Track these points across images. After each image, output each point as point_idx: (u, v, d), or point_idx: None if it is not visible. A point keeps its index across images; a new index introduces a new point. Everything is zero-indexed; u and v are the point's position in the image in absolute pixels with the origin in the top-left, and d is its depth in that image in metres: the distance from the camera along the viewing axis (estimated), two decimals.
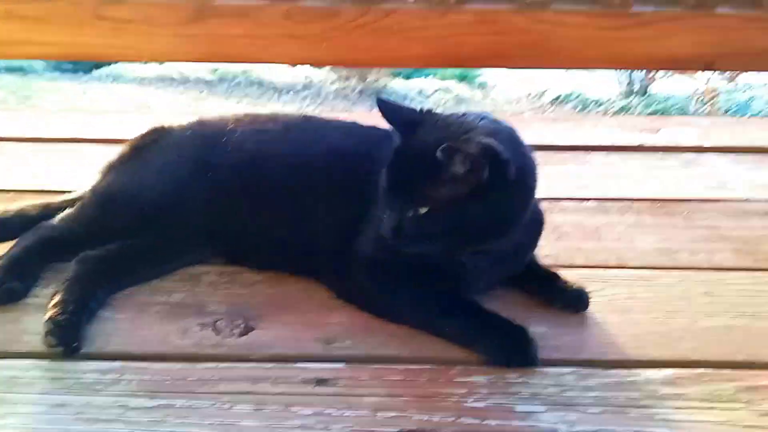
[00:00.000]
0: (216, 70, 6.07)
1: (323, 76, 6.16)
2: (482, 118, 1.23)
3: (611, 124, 2.11)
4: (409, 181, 1.20)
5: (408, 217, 1.20)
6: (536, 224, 1.35)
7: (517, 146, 1.23)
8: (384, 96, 1.36)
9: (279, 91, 5.94)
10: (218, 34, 1.82)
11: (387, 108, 1.27)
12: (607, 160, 1.92)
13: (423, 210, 1.19)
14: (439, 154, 1.13)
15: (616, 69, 4.97)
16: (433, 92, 6.11)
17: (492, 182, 1.16)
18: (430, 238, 1.20)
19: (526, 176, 1.23)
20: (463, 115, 1.24)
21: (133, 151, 1.50)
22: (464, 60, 1.81)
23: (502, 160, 1.16)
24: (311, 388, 1.17)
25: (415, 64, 2.05)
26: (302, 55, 1.80)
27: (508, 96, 6.05)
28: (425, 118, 1.26)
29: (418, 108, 1.29)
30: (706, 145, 1.99)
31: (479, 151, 1.14)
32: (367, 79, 5.97)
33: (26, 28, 1.83)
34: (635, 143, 2.00)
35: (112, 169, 1.50)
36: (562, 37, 1.83)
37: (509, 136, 1.23)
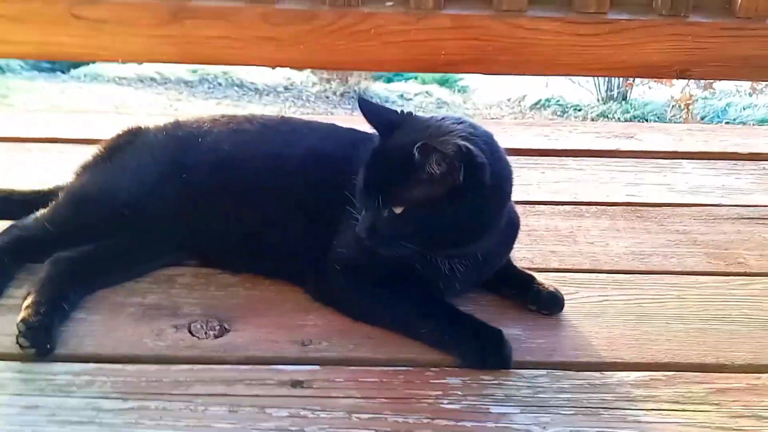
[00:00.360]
0: (196, 70, 6.05)
1: (304, 78, 6.15)
2: (460, 122, 1.24)
3: (587, 129, 2.13)
4: (384, 181, 1.21)
5: (383, 217, 1.21)
6: (512, 228, 1.36)
7: (493, 151, 1.24)
8: (365, 97, 1.37)
9: (260, 92, 5.93)
10: (195, 35, 1.81)
11: (368, 109, 1.28)
12: (583, 164, 1.94)
13: (398, 210, 1.20)
14: (415, 152, 1.14)
15: (590, 76, 5.02)
16: (414, 95, 6.14)
17: (467, 185, 1.17)
18: (405, 239, 1.21)
19: (502, 181, 1.24)
20: (442, 118, 1.25)
21: (108, 152, 1.49)
22: (441, 65, 1.82)
23: (478, 163, 1.17)
24: (286, 390, 1.17)
25: (392, 68, 2.07)
26: (279, 57, 1.80)
27: (488, 100, 6.10)
28: (405, 120, 1.27)
29: (398, 110, 1.30)
30: (681, 150, 2.02)
31: (455, 153, 1.15)
32: (348, 82, 5.97)
33: (1, 27, 1.81)
34: (611, 148, 2.02)
35: (87, 169, 1.49)
36: (538, 43, 1.85)
37: (486, 141, 1.24)
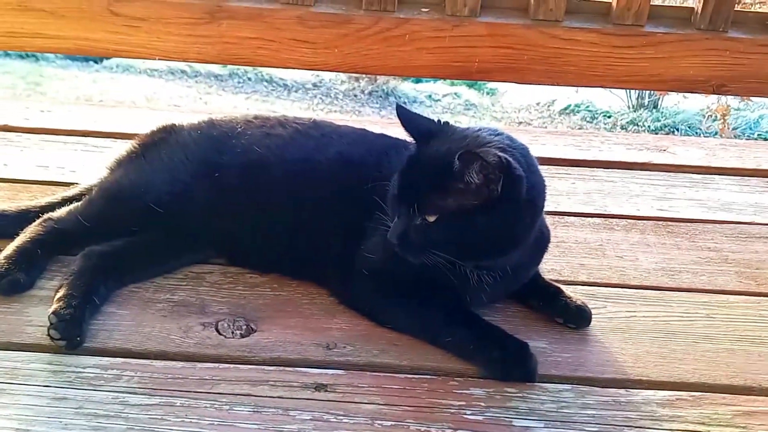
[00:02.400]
0: (226, 65, 6.07)
1: (333, 76, 6.16)
2: (497, 134, 1.25)
3: (619, 140, 2.11)
4: (419, 189, 1.21)
5: (415, 225, 1.22)
6: (542, 241, 1.36)
7: (530, 164, 1.24)
8: (401, 103, 1.38)
9: (288, 89, 5.95)
10: (231, 35, 1.82)
11: (406, 117, 1.29)
12: (614, 176, 1.93)
13: (431, 218, 1.20)
14: (456, 160, 1.15)
15: (625, 89, 4.98)
16: (443, 96, 6.12)
17: (503, 197, 1.17)
18: (436, 248, 1.21)
19: (536, 195, 1.24)
20: (479, 129, 1.26)
21: (142, 148, 1.51)
22: (474, 73, 1.81)
23: (516, 176, 1.17)
24: (310, 393, 1.18)
25: (425, 74, 2.05)
26: (314, 60, 1.81)
27: (517, 104, 6.06)
28: (442, 129, 1.28)
29: (436, 120, 1.30)
30: (714, 166, 2.00)
31: (496, 163, 1.15)
32: (377, 81, 5.98)
33: (39, 21, 1.84)
34: (642, 161, 2.00)
35: (120, 165, 1.51)
36: (574, 54, 1.84)
37: (523, 154, 1.24)
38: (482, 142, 1.21)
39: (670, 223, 1.73)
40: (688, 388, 1.24)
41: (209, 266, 1.46)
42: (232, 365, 1.23)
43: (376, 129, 1.57)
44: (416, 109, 5.68)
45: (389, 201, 1.27)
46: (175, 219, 1.42)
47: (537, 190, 1.24)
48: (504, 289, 1.35)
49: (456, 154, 1.15)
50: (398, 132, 1.51)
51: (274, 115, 1.58)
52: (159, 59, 1.79)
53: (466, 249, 1.21)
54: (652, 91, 5.52)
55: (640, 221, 1.73)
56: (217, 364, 1.23)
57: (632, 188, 1.88)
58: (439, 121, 1.30)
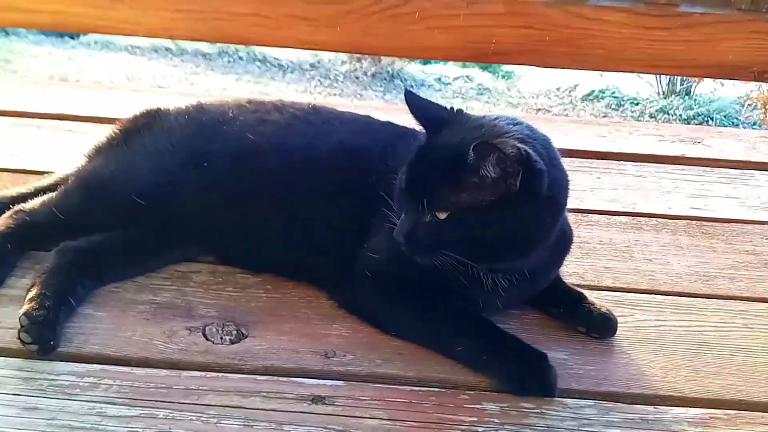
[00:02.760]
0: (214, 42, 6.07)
1: (333, 56, 6.15)
2: (516, 123, 1.24)
3: (650, 131, 2.10)
4: (430, 183, 1.21)
5: (424, 223, 1.21)
6: (564, 241, 1.36)
7: (552, 157, 1.24)
8: (410, 88, 1.37)
9: (284, 69, 5.94)
10: (223, 11, 1.82)
11: (415, 103, 1.28)
12: (643, 171, 1.93)
13: (442, 216, 1.20)
14: (471, 152, 1.14)
15: (657, 74, 4.96)
16: (453, 80, 6.11)
17: (522, 193, 1.17)
18: (447, 248, 1.21)
19: (559, 191, 1.24)
20: (496, 118, 1.25)
21: (124, 135, 1.51)
22: (491, 55, 1.81)
23: (536, 170, 1.17)
24: (306, 405, 1.18)
25: (436, 56, 2.05)
26: (314, 39, 1.80)
27: (535, 88, 6.05)
28: (455, 117, 1.28)
29: (448, 106, 1.30)
30: (754, 160, 2.00)
31: (515, 155, 1.15)
32: (381, 62, 5.96)
33: None
34: (675, 154, 2.00)
35: (100, 152, 1.51)
36: (601, 35, 1.84)
37: (544, 146, 1.24)
38: (499, 132, 1.21)
39: (704, 223, 1.73)
40: (723, 406, 1.24)
41: (196, 265, 1.46)
42: (220, 374, 1.23)
43: (381, 116, 1.57)
44: (424, 93, 5.67)
45: (396, 196, 1.27)
46: (159, 212, 1.42)
47: (559, 186, 1.24)
48: (521, 294, 1.35)
49: (471, 145, 1.14)
50: (405, 119, 1.51)
51: (269, 99, 1.58)
52: (144, 36, 1.79)
53: (480, 250, 1.21)
54: (686, 77, 5.50)
55: (671, 221, 1.73)
56: (204, 373, 1.23)
57: (663, 184, 1.88)
58: (451, 108, 1.30)
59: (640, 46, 1.85)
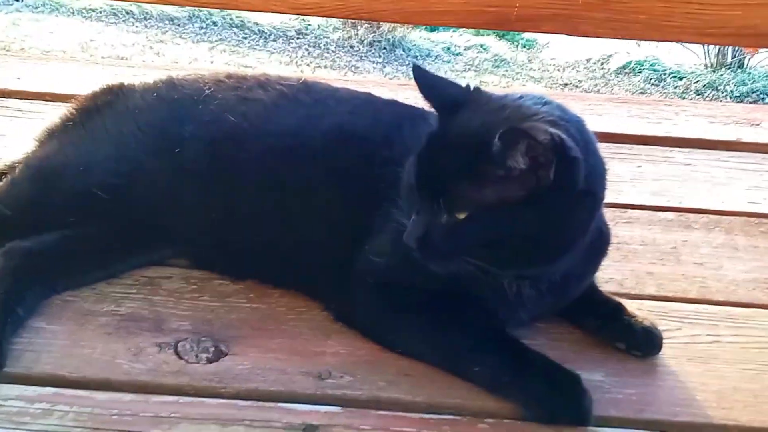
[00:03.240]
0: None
1: (323, 21, 6.15)
2: (545, 103, 1.23)
3: (699, 111, 2.10)
4: (446, 177, 1.19)
5: (440, 224, 1.20)
6: (600, 242, 1.35)
7: (587, 143, 1.23)
8: (416, 61, 1.37)
9: (265, 36, 5.95)
10: None
11: (424, 80, 1.27)
12: (692, 158, 1.93)
13: (461, 215, 1.19)
14: (497, 139, 1.13)
15: (710, 44, 4.95)
16: (465, 50, 6.12)
17: (555, 186, 1.16)
18: (467, 253, 1.20)
19: (596, 182, 1.23)
20: (521, 97, 1.24)
21: (81, 115, 1.51)
22: (514, 22, 1.80)
23: (572, 159, 1.16)
24: None
25: (450, 23, 2.03)
26: (305, 2, 1.79)
27: (561, 60, 6.06)
28: (472, 97, 1.27)
29: (463, 83, 1.29)
30: None
31: (549, 142, 1.13)
32: (380, 29, 5.96)
33: None
34: (729, 138, 2.00)
35: (53, 136, 1.50)
36: None
37: (579, 129, 1.23)
38: (526, 113, 1.20)
39: (765, 220, 1.73)
40: None
41: (166, 269, 1.47)
42: (196, 399, 1.23)
43: (382, 93, 1.57)
44: (430, 65, 5.67)
45: (404, 192, 1.26)
46: (123, 207, 1.41)
47: (596, 176, 1.23)
48: (550, 304, 1.35)
49: (496, 132, 1.13)
50: (410, 97, 1.51)
51: (251, 73, 1.58)
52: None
53: (506, 254, 1.20)
54: (740, 48, 5.49)
55: (725, 217, 1.73)
56: (176, 398, 1.22)
57: (715, 174, 1.88)
58: (467, 86, 1.29)
59: (689, 11, 1.84)
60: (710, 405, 1.28)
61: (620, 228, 1.63)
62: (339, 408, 1.23)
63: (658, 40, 1.94)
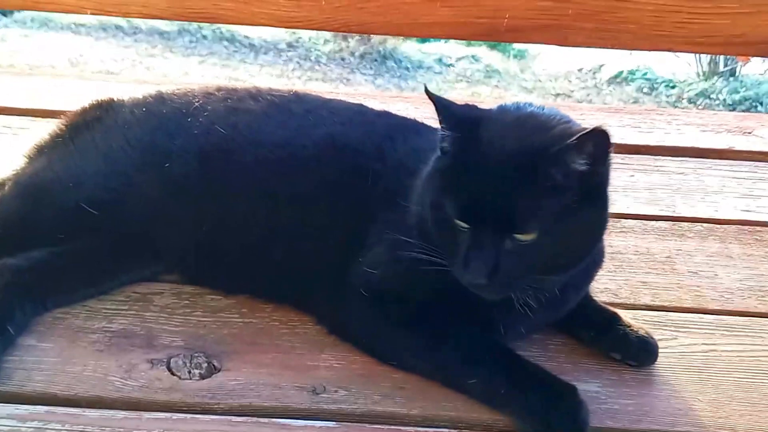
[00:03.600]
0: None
1: (314, 33, 6.16)
2: (549, 111, 1.25)
3: (691, 120, 2.11)
4: (505, 202, 1.16)
5: (508, 252, 1.18)
6: (597, 252, 1.35)
7: None
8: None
9: (256, 49, 5.95)
10: None
11: (442, 104, 1.24)
12: (685, 167, 1.93)
13: (529, 237, 1.17)
14: (572, 141, 1.13)
15: (700, 53, 4.96)
16: (457, 60, 6.13)
17: (602, 180, 1.22)
18: (534, 274, 1.20)
19: None
20: (518, 107, 1.26)
21: (70, 131, 1.51)
22: (504, 32, 1.80)
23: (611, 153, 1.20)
24: None
25: (438, 34, 2.04)
26: (294, 15, 1.79)
27: (553, 70, 6.06)
28: (482, 114, 1.25)
29: (466, 104, 1.29)
30: None
31: (605, 136, 1.15)
32: (371, 41, 5.98)
33: None
34: (722, 147, 2.01)
35: (42, 152, 1.50)
36: (633, 7, 1.84)
37: None
38: (562, 119, 1.23)
39: (758, 228, 1.74)
40: None
41: (158, 285, 1.46)
42: (189, 415, 1.23)
43: (375, 105, 1.57)
44: (423, 76, 5.68)
45: (438, 229, 1.22)
46: (113, 223, 1.41)
47: None
48: (548, 316, 1.35)
49: (550, 142, 1.15)
50: (402, 108, 1.51)
51: (242, 85, 1.58)
52: (93, 14, 1.78)
53: (560, 262, 1.22)
54: (731, 56, 5.50)
55: (719, 225, 1.73)
56: (169, 414, 1.22)
57: (708, 182, 1.89)
58: (471, 105, 1.29)
59: (678, 20, 1.85)
60: (707, 414, 1.29)
61: (614, 238, 1.64)
62: (333, 423, 1.23)
63: (648, 50, 1.94)
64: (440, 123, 1.23)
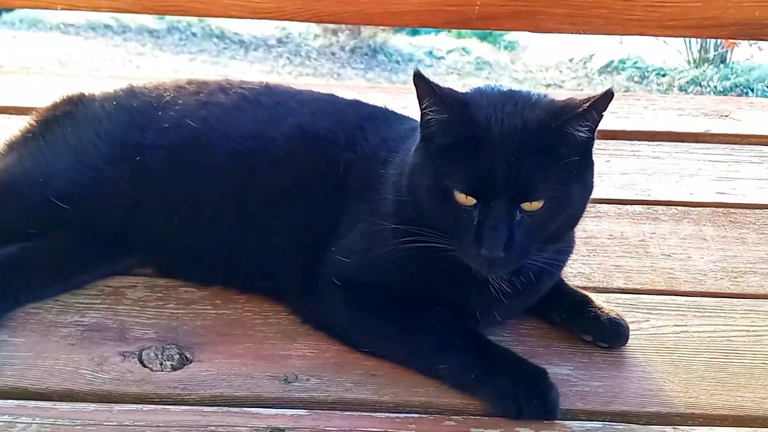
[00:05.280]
0: (163, 17, 6.07)
1: (303, 29, 6.16)
2: (530, 92, 1.28)
3: (668, 105, 2.12)
4: (517, 177, 1.18)
5: (519, 223, 1.20)
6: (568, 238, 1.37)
7: None
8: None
9: (245, 46, 5.95)
10: None
11: (433, 85, 1.24)
12: (660, 151, 1.94)
13: (537, 206, 1.20)
14: (582, 108, 1.18)
15: (670, 36, 4.94)
16: (447, 53, 6.13)
17: (593, 145, 1.25)
18: (541, 243, 1.23)
19: None
20: (496, 90, 1.28)
21: (40, 126, 1.51)
22: (475, 20, 1.80)
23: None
24: None
25: (410, 23, 2.04)
26: (265, 6, 1.79)
27: (543, 60, 6.07)
28: (467, 97, 1.26)
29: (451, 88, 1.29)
30: None
31: (611, 97, 1.20)
32: (361, 35, 5.97)
33: None
34: (697, 130, 2.02)
35: (13, 148, 1.50)
36: None
37: None
38: (536, 97, 1.26)
39: (732, 210, 1.74)
40: (755, 423, 1.24)
41: (131, 278, 1.47)
42: (160, 406, 1.23)
43: (374, 96, 1.57)
44: (414, 68, 5.67)
45: (438, 208, 1.23)
46: (84, 217, 1.41)
47: None
48: (523, 301, 1.36)
49: (553, 115, 1.19)
50: (376, 98, 1.51)
51: (213, 78, 1.58)
52: (62, 9, 1.78)
53: (561, 230, 1.27)
54: (716, 40, 5.50)
55: (693, 209, 1.74)
56: (140, 406, 1.22)
57: (684, 166, 1.89)
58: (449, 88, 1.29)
59: (649, 4, 1.86)
60: (677, 394, 1.29)
61: (588, 223, 1.64)
62: (305, 411, 1.23)
63: (621, 34, 1.95)
64: (428, 107, 1.23)
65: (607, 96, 1.19)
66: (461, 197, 1.20)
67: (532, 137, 1.19)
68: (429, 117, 1.23)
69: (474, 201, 1.20)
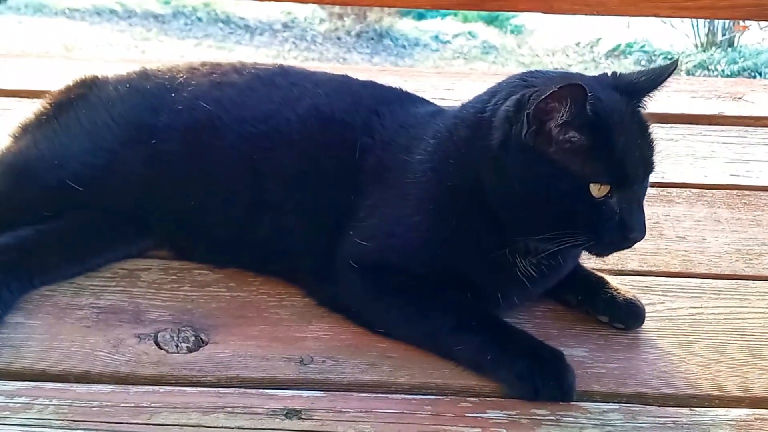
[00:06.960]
0: (169, 1, 6.07)
1: (309, 13, 6.15)
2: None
3: (681, 87, 2.11)
4: (651, 158, 1.30)
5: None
6: None
7: None
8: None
9: (251, 31, 5.95)
10: None
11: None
12: (674, 133, 1.93)
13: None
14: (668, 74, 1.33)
15: (687, 17, 4.92)
16: (453, 37, 6.11)
17: None
18: None
19: None
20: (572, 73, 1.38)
21: (55, 109, 1.51)
22: (488, 2, 1.79)
23: None
24: (279, 421, 1.18)
25: (422, 4, 2.02)
26: None
27: (550, 44, 6.06)
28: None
29: None
30: None
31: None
32: (367, 19, 5.95)
33: None
34: (711, 112, 2.01)
35: (27, 131, 1.50)
36: None
37: None
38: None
39: (747, 192, 1.74)
40: None
41: (146, 261, 1.47)
42: (176, 388, 1.23)
43: (389, 80, 1.56)
44: (420, 53, 5.67)
45: (575, 208, 1.23)
46: (99, 200, 1.42)
47: None
48: (544, 285, 1.36)
49: (660, 78, 1.35)
50: (390, 80, 1.51)
51: (227, 60, 1.58)
52: None
53: None
54: (726, 22, 5.46)
55: (708, 191, 1.74)
56: (157, 387, 1.23)
57: (698, 148, 1.89)
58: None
59: None
60: (693, 376, 1.29)
61: None
62: (321, 392, 1.23)
63: (635, 15, 1.93)
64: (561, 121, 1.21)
65: (675, 64, 1.33)
66: (595, 189, 1.22)
67: (638, 113, 1.29)
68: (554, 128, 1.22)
69: (607, 190, 1.22)
